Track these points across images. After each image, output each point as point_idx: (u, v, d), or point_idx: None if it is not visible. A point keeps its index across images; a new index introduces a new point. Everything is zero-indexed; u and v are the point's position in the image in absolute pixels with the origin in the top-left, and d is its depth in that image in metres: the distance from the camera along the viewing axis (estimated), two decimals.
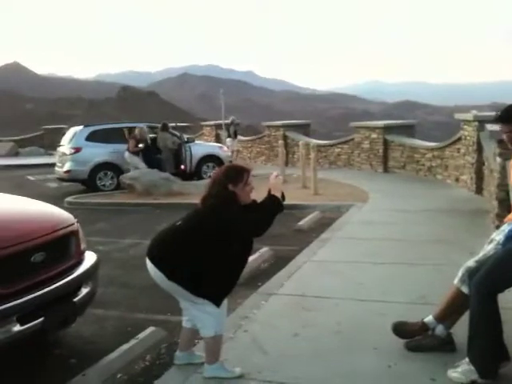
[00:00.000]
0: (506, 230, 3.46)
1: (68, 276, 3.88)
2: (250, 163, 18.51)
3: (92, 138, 14.08)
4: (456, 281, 3.58)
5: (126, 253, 7.46)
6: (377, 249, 6.67)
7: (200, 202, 3.46)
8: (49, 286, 3.65)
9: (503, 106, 3.55)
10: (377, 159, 15.48)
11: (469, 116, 10.78)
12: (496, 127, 6.04)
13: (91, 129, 14.43)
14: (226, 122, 21.71)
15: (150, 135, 14.80)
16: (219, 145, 17.44)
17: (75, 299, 3.92)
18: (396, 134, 15.19)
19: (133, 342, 4.14)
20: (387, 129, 15.42)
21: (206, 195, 3.45)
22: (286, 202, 3.58)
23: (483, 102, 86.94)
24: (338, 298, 4.91)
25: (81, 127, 14.63)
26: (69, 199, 12.14)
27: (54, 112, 68.05)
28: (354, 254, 6.46)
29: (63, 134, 15.63)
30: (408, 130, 15.58)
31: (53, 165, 15.40)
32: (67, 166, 13.84)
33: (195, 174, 14.84)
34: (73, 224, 4.20)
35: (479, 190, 10.20)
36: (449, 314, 3.68)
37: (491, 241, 3.58)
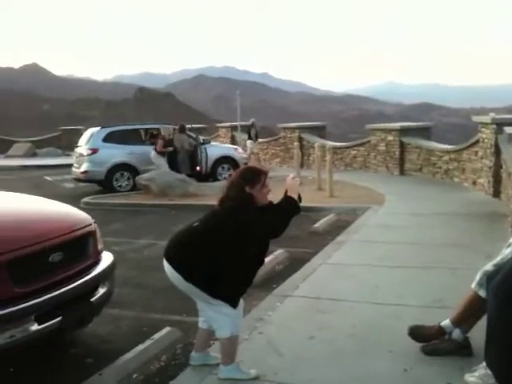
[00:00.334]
0: None
1: (85, 276, 3.91)
2: (265, 165, 18.51)
3: (109, 139, 14.21)
4: (473, 284, 3.55)
5: (140, 253, 7.50)
6: (392, 252, 6.63)
7: (217, 204, 3.48)
8: (66, 286, 3.68)
9: None
10: (393, 161, 15.41)
11: (487, 119, 10.65)
12: None
13: (108, 130, 14.55)
14: (242, 123, 21.70)
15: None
16: (234, 146, 17.48)
17: (92, 299, 3.94)
18: (412, 136, 15.12)
19: (148, 342, 4.16)
20: (403, 131, 15.37)
21: (224, 197, 3.46)
22: (302, 204, 3.57)
23: (499, 104, 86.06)
24: (353, 301, 4.89)
25: (98, 128, 14.78)
26: (85, 200, 12.24)
27: (71, 113, 68.62)
28: (370, 257, 6.43)
29: (80, 135, 15.78)
30: (424, 132, 15.51)
31: (70, 165, 15.56)
32: (84, 167, 13.98)
33: (210, 176, 14.89)
34: (90, 224, 4.24)
35: (497, 193, 10.10)
36: (466, 318, 3.65)
37: (509, 245, 3.54)
